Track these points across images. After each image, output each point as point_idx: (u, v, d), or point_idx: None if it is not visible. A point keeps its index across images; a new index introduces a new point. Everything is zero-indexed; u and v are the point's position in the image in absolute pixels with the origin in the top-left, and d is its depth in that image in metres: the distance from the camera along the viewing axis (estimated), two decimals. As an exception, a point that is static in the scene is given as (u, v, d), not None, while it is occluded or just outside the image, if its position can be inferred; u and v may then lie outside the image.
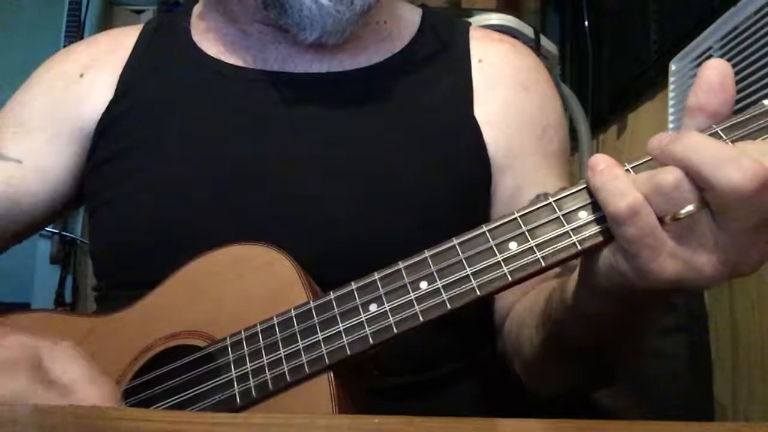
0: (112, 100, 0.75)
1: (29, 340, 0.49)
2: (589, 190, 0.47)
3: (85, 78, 0.78)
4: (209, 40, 0.78)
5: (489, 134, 0.73)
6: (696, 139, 0.43)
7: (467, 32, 0.80)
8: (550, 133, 0.76)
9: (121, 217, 0.71)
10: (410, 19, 0.81)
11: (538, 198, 0.49)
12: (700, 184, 0.42)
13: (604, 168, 0.46)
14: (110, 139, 0.74)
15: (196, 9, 0.82)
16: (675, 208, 0.43)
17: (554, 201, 0.48)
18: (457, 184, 0.71)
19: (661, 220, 0.44)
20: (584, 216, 0.47)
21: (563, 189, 0.49)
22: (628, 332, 0.55)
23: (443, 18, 0.82)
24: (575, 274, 0.52)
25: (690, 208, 0.42)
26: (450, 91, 0.75)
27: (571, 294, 0.53)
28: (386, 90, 0.74)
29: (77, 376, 0.48)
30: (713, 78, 0.44)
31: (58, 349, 0.49)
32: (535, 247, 0.48)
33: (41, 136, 0.76)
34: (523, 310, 0.67)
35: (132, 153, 0.72)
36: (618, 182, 0.45)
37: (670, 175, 0.43)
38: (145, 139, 0.73)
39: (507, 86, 0.76)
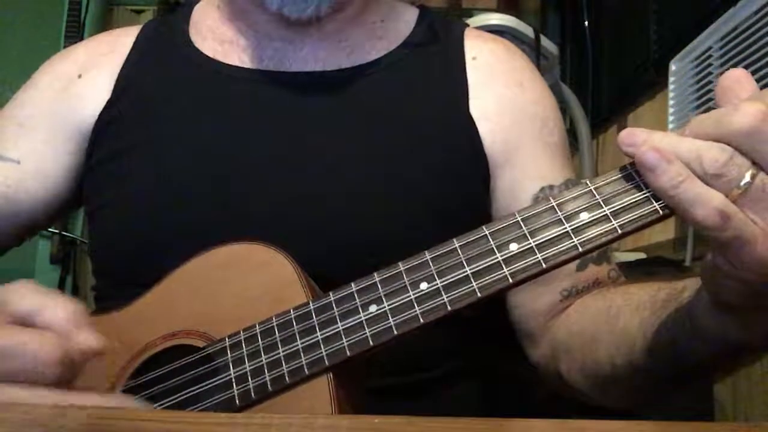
0: (109, 100, 0.76)
1: None
2: (592, 192, 0.47)
3: (83, 78, 0.78)
4: (207, 40, 0.78)
5: (485, 129, 0.73)
6: (702, 119, 0.43)
7: (462, 32, 0.80)
8: (550, 125, 0.76)
9: (120, 218, 0.71)
10: (407, 18, 0.81)
11: (542, 190, 0.49)
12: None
13: (664, 168, 0.44)
14: (108, 139, 0.74)
15: (197, 9, 0.83)
16: (735, 182, 0.43)
17: (555, 203, 0.48)
18: (455, 180, 0.71)
19: (728, 196, 0.43)
20: (585, 217, 0.47)
21: (565, 184, 0.48)
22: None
23: (439, 17, 0.83)
24: (701, 303, 0.50)
25: (747, 178, 0.42)
26: (445, 88, 0.75)
27: (702, 324, 0.50)
28: (382, 88, 0.74)
29: (37, 301, 0.47)
30: (731, 80, 0.45)
31: (13, 285, 0.48)
32: (536, 249, 0.48)
33: (40, 137, 0.76)
34: (594, 325, 0.64)
35: (130, 153, 0.72)
36: (694, 186, 0.43)
37: (720, 155, 0.43)
38: (143, 139, 0.73)
39: (501, 82, 0.76)
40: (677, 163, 0.44)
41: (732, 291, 0.46)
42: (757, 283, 0.44)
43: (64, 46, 2.45)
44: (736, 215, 0.42)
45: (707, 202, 0.43)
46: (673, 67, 1.69)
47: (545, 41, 1.98)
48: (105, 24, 2.74)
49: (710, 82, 1.52)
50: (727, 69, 0.46)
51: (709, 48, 1.53)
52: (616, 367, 0.60)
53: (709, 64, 1.53)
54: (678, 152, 0.44)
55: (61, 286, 2.57)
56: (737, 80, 0.45)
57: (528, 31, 1.94)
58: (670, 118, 1.69)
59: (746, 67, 1.35)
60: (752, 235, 0.43)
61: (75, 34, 2.59)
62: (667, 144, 0.44)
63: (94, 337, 0.46)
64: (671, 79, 1.70)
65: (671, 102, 1.69)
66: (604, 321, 0.62)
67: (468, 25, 0.83)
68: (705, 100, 1.53)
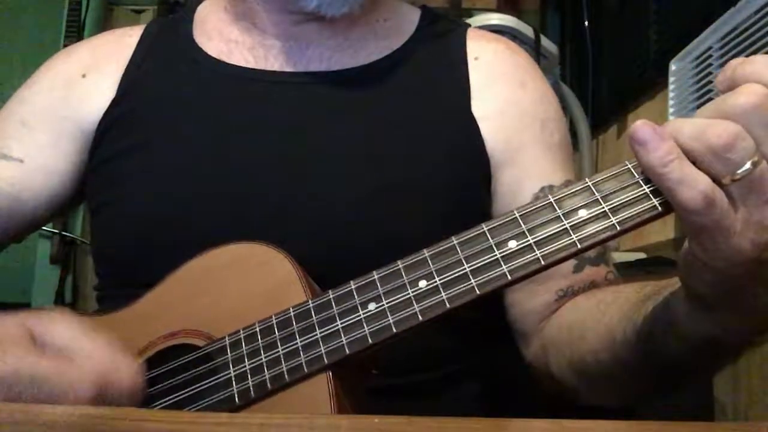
0: (113, 100, 0.76)
1: (16, 318, 0.50)
2: (590, 189, 0.47)
3: (87, 78, 0.78)
4: (212, 41, 0.78)
5: (487, 129, 0.73)
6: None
7: (464, 32, 0.80)
8: (551, 125, 0.76)
9: (123, 217, 0.71)
10: (409, 18, 0.81)
11: (542, 190, 0.49)
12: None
13: (656, 145, 0.43)
14: (111, 139, 0.74)
15: (200, 10, 0.83)
16: (734, 167, 0.42)
17: (554, 200, 0.48)
18: (457, 181, 0.71)
19: (717, 181, 0.42)
20: (584, 214, 0.47)
21: (565, 185, 0.48)
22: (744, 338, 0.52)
23: (442, 17, 0.83)
24: (677, 298, 0.50)
25: (748, 165, 0.41)
26: (447, 89, 0.75)
27: (676, 318, 0.51)
28: (385, 88, 0.74)
29: (72, 336, 0.48)
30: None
31: (46, 317, 0.50)
32: (534, 246, 0.48)
33: (43, 136, 0.76)
34: (583, 321, 0.65)
35: (133, 153, 0.73)
36: (683, 166, 0.43)
37: (724, 131, 0.42)
38: (146, 139, 0.73)
39: (504, 83, 0.76)
40: (670, 141, 0.43)
41: (704, 281, 0.46)
42: (726, 273, 0.44)
43: (64, 46, 2.45)
44: (720, 202, 0.42)
45: (694, 184, 0.42)
46: (673, 67, 1.69)
47: (545, 41, 1.98)
48: (105, 24, 2.73)
49: (710, 82, 1.52)
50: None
51: (709, 48, 1.53)
52: (600, 362, 0.60)
53: (709, 64, 1.53)
54: (680, 131, 0.43)
55: (61, 286, 2.57)
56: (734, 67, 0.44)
57: (528, 31, 1.94)
58: (670, 119, 1.69)
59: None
60: (731, 224, 0.42)
61: (75, 34, 2.59)
62: (670, 125, 0.44)
63: (135, 363, 0.49)
64: (671, 79, 1.70)
65: (671, 102, 1.69)
66: (592, 317, 0.63)
67: (470, 25, 0.83)
68: (705, 100, 1.53)
